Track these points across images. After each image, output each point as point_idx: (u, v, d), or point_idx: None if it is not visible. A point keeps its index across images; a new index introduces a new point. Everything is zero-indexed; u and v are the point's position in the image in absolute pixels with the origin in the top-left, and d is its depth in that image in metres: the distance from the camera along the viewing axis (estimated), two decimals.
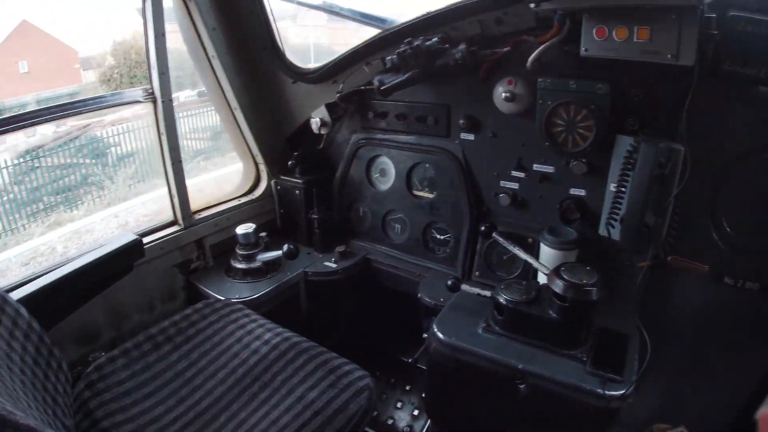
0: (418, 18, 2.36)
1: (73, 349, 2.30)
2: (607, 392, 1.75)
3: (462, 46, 2.19)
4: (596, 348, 1.93)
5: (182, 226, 2.73)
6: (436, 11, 2.30)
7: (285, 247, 2.63)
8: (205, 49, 2.74)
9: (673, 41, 1.72)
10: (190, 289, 2.79)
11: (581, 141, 2.09)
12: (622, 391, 1.75)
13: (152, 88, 2.54)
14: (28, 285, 1.98)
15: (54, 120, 2.41)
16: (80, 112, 2.52)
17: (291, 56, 2.90)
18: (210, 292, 2.65)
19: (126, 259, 2.28)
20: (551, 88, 2.08)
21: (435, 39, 2.24)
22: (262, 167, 3.08)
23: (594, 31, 1.82)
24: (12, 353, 1.47)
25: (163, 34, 2.47)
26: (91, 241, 8.02)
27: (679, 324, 2.26)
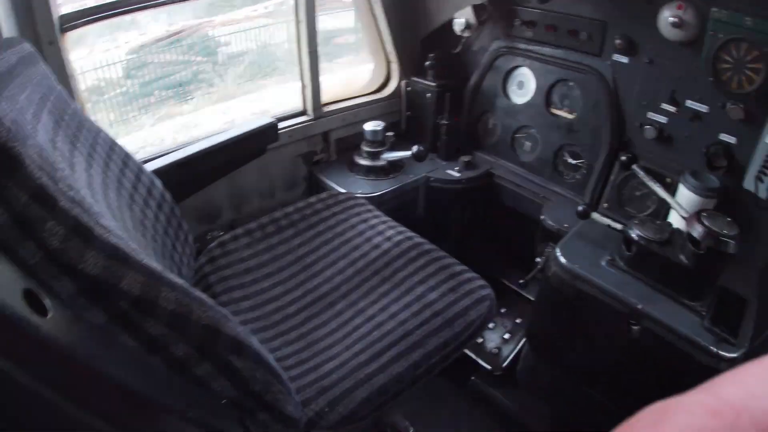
0: None
1: (193, 227, 2.40)
2: (719, 351, 1.72)
3: None
4: (717, 305, 1.88)
5: (311, 117, 2.84)
6: None
7: (415, 147, 2.66)
8: None
9: None
10: (311, 180, 2.93)
11: (747, 84, 1.94)
12: (734, 354, 1.72)
13: None
14: (162, 158, 2.14)
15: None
16: None
17: None
18: (332, 184, 2.77)
19: (261, 140, 2.42)
20: (725, 20, 1.91)
21: None
22: (394, 66, 3.09)
23: None
24: (145, 220, 1.60)
25: None
26: (197, 136, 8.51)
27: None
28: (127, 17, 2.34)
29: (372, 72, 3.22)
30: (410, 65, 3.08)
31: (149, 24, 2.68)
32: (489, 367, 2.69)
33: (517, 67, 2.77)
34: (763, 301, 1.94)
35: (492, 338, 2.82)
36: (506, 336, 2.82)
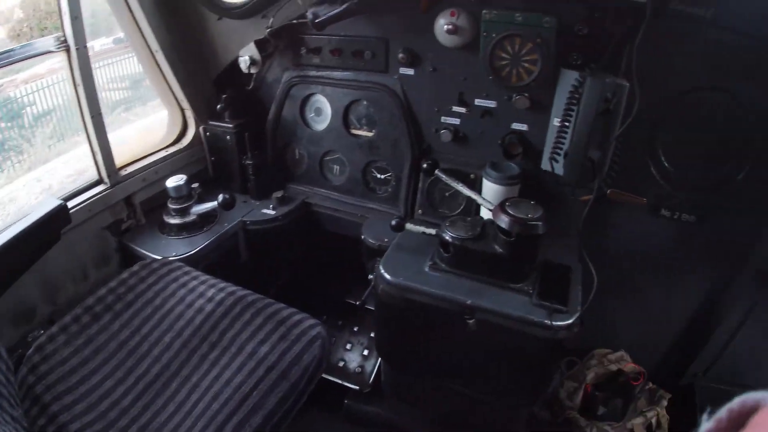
0: None
1: (10, 332, 2.19)
2: (553, 323, 1.85)
3: None
4: (541, 280, 2.03)
5: (108, 185, 2.60)
6: None
7: (220, 197, 2.55)
8: None
9: None
10: (123, 251, 2.69)
11: (526, 75, 2.14)
12: (568, 321, 1.86)
13: (65, 35, 2.36)
14: None
15: None
16: None
17: None
18: (145, 252, 2.57)
19: (52, 226, 2.17)
20: (496, 20, 2.09)
21: None
22: (189, 113, 2.96)
23: None
24: None
25: None
26: (15, 212, 7.70)
27: (617, 254, 2.43)
28: None
29: (167, 123, 3.06)
30: (206, 109, 2.98)
31: None
32: (357, 387, 2.68)
33: (311, 94, 2.80)
34: (584, 263, 2.12)
35: (352, 358, 2.82)
36: (365, 353, 2.83)
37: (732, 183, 2.13)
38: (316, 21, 2.30)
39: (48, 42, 2.36)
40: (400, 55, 2.43)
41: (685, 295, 2.47)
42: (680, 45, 2.01)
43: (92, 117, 2.48)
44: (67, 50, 2.39)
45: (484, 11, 2.09)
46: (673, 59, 2.04)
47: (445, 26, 2.22)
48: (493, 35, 2.10)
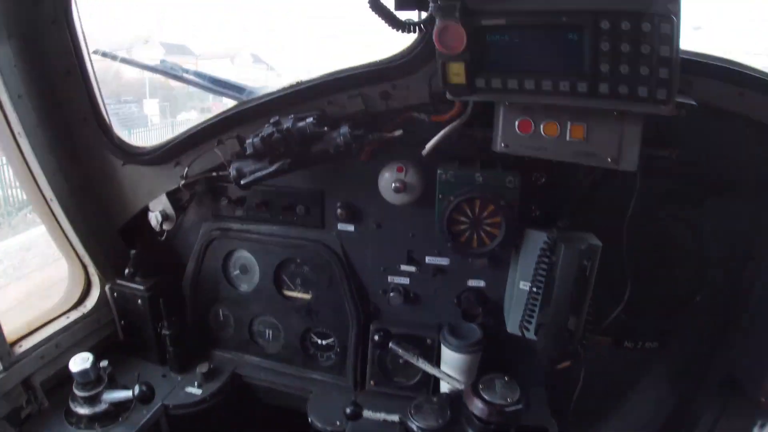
0: (286, 89, 2.07)
1: None
2: None
3: (344, 129, 1.90)
4: None
5: (0, 368, 2.16)
6: (309, 82, 2.02)
7: (136, 388, 2.16)
8: (9, 124, 2.17)
9: (613, 143, 1.58)
10: None
11: (488, 240, 1.92)
12: None
13: None
14: None
15: None
16: None
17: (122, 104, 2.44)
18: None
19: None
20: (454, 181, 1.88)
21: (310, 120, 1.92)
22: (92, 270, 2.55)
23: (516, 123, 1.64)
24: None
25: None
26: None
27: (583, 390, 2.24)
28: None
29: (67, 283, 2.63)
30: (112, 265, 2.59)
31: None
32: None
33: (234, 250, 2.49)
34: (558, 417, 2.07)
35: None
36: None
37: (691, 305, 2.15)
38: (242, 182, 2.04)
39: None
40: (339, 210, 2.22)
41: (651, 413, 2.44)
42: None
43: None
44: None
45: (439, 171, 1.89)
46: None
47: (393, 184, 2.02)
48: (451, 198, 1.89)
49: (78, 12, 2.21)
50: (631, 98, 1.39)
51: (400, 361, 2.27)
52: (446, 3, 1.40)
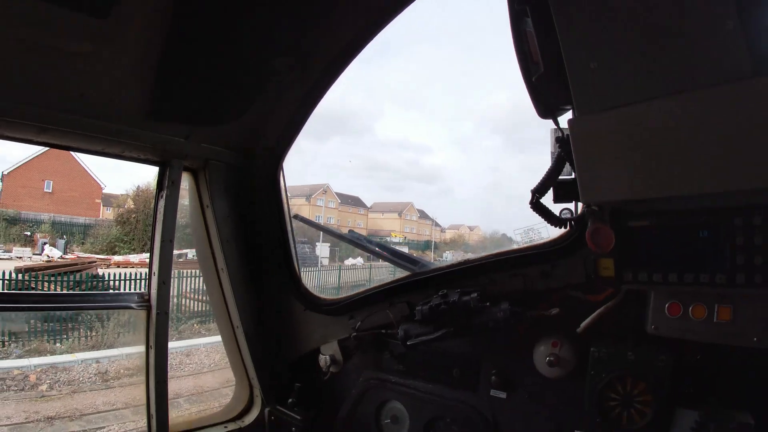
0: (454, 266, 2.51)
1: None
2: None
3: (505, 305, 2.24)
4: None
5: None
6: (475, 261, 2.44)
7: None
8: (215, 261, 2.85)
9: (761, 323, 1.76)
10: None
11: (638, 417, 2.06)
12: None
13: (149, 295, 2.62)
14: None
15: (46, 310, 2.48)
16: (71, 308, 2.57)
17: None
18: None
19: None
20: (606, 358, 2.09)
21: (474, 295, 2.28)
22: (257, 392, 3.05)
23: (666, 306, 1.88)
24: None
25: (171, 240, 2.63)
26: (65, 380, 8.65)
27: None
28: None
29: (234, 395, 3.13)
30: (274, 391, 3.05)
31: None
32: None
33: (388, 400, 2.80)
34: None
35: None
36: None
37: None
38: (408, 343, 2.43)
39: (131, 297, 2.64)
40: (493, 378, 2.45)
41: None
42: None
43: (157, 383, 2.60)
44: (148, 310, 2.61)
45: (592, 348, 2.11)
46: None
47: (547, 357, 2.25)
48: (603, 375, 2.09)
49: (284, 180, 3.00)
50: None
51: None
52: (596, 209, 1.79)
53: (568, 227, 2.03)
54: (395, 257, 2.94)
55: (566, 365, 2.25)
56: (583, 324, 2.15)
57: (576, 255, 2.08)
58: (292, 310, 3.01)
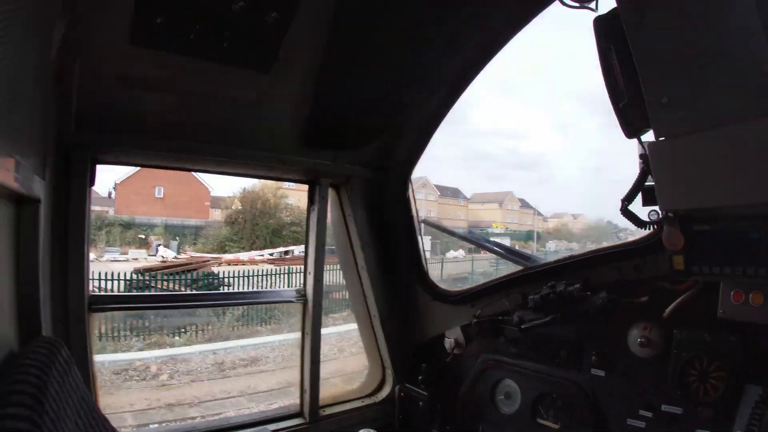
0: (561, 261, 2.98)
1: None
2: None
3: (603, 294, 2.69)
4: None
5: (307, 420, 3.32)
6: (579, 256, 2.90)
7: None
8: (356, 261, 3.56)
9: None
10: None
11: (712, 391, 2.42)
12: None
13: (305, 291, 3.35)
14: None
15: (215, 306, 3.22)
16: (238, 304, 3.29)
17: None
18: None
19: None
20: (686, 340, 2.49)
21: (577, 286, 2.76)
22: (389, 372, 3.70)
23: (731, 294, 2.27)
24: None
25: (323, 245, 3.32)
26: (184, 371, 9.66)
27: None
28: None
29: (367, 375, 3.80)
30: (404, 371, 3.67)
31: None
32: None
33: (502, 378, 3.30)
34: None
35: None
36: None
37: None
38: (523, 326, 2.94)
39: (290, 293, 3.37)
40: (593, 357, 2.87)
41: None
42: None
43: (312, 363, 3.31)
44: (304, 304, 3.33)
45: (675, 331, 2.51)
46: None
47: (639, 339, 2.65)
48: (683, 354, 2.48)
49: (413, 189, 3.63)
50: None
51: None
52: (671, 215, 2.25)
53: (653, 229, 2.45)
54: (510, 254, 3.45)
55: (655, 346, 2.63)
56: (668, 310, 2.54)
57: (661, 251, 2.42)
58: (420, 300, 3.62)
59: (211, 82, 2.53)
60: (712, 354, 2.40)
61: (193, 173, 28.66)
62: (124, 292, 11.54)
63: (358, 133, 3.22)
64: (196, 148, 2.77)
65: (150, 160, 2.78)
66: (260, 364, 10.09)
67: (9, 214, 1.82)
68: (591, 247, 3.15)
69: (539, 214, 44.13)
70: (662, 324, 2.60)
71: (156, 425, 7.66)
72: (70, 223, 2.47)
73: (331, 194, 3.49)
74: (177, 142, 2.70)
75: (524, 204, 45.04)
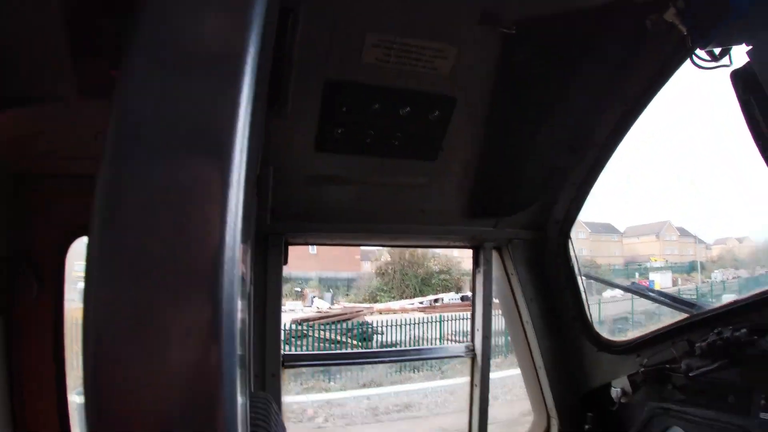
0: (726, 306, 3.01)
1: None
2: None
3: None
4: None
5: None
6: (743, 300, 2.93)
7: None
8: (520, 316, 3.81)
9: None
10: None
11: None
12: None
13: (473, 346, 3.66)
14: None
15: (392, 362, 3.62)
16: (414, 359, 3.63)
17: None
18: None
19: None
20: None
21: (743, 330, 2.77)
22: (554, 422, 3.85)
23: None
24: None
25: (491, 304, 3.65)
26: (339, 414, 10.12)
27: None
28: None
29: (532, 424, 3.98)
30: (570, 421, 3.80)
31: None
32: None
33: (671, 426, 3.32)
34: None
35: None
36: None
37: None
38: (690, 374, 3.00)
39: (459, 348, 3.71)
40: (763, 401, 2.80)
41: None
42: None
43: (480, 413, 3.61)
44: (473, 359, 3.64)
45: None
46: None
47: None
48: None
49: (573, 245, 3.81)
50: None
51: None
52: None
53: None
54: (674, 302, 3.51)
55: None
56: None
57: None
58: (585, 350, 3.78)
59: (385, 173, 2.95)
60: None
61: None
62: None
63: (515, 200, 3.53)
64: (373, 228, 3.21)
65: (333, 240, 3.30)
66: (413, 410, 10.30)
67: None
68: (760, 272, 3.11)
69: (700, 241, 41.61)
70: None
71: None
72: (269, 294, 2.94)
73: (495, 256, 3.79)
74: (356, 225, 3.16)
75: (683, 232, 42.68)
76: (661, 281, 30.51)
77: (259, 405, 2.00)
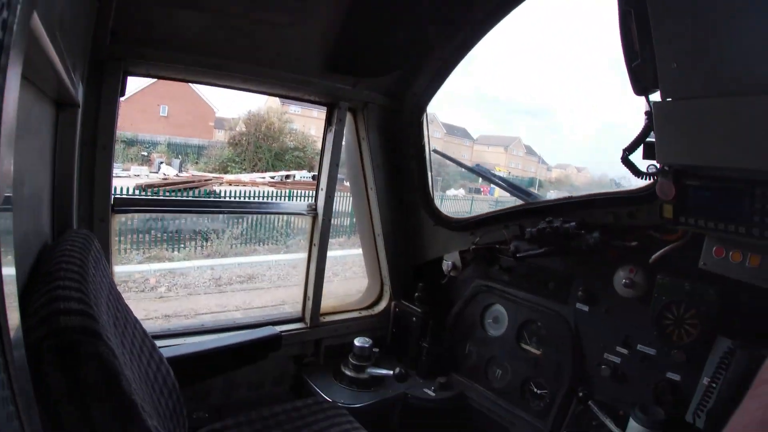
0: (560, 200, 3.17)
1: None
2: None
3: (596, 234, 2.90)
4: None
5: (307, 325, 3.66)
6: (577, 198, 3.10)
7: (397, 369, 3.37)
8: (366, 182, 3.83)
9: None
10: (298, 379, 3.62)
11: (685, 337, 2.65)
12: None
13: (316, 205, 3.61)
14: (177, 347, 2.76)
15: (232, 213, 3.47)
16: (254, 212, 3.55)
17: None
18: (318, 390, 3.42)
19: (265, 348, 3.11)
20: (668, 285, 2.70)
21: (573, 224, 2.98)
22: (387, 288, 4.02)
23: (713, 249, 2.46)
24: (155, 384, 2.13)
25: (337, 164, 3.57)
26: (182, 284, 10.16)
27: None
28: None
29: (366, 289, 4.13)
30: (401, 288, 3.99)
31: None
32: None
33: (493, 303, 3.62)
34: None
35: None
36: None
37: None
38: (518, 255, 3.19)
39: (301, 206, 3.65)
40: (580, 292, 3.13)
41: None
42: None
43: (317, 272, 3.61)
44: (314, 217, 3.61)
45: (659, 276, 2.72)
46: None
47: (624, 279, 2.89)
48: (663, 298, 2.70)
49: (427, 121, 3.82)
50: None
51: (594, 423, 2.95)
52: (666, 169, 2.41)
53: (650, 180, 2.61)
54: (513, 188, 3.63)
55: (638, 289, 2.85)
56: (654, 256, 2.75)
57: (655, 202, 2.58)
58: (423, 224, 3.89)
59: (245, 2, 2.70)
60: (689, 302, 2.59)
61: (198, 93, 29.01)
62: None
63: (379, 63, 3.40)
64: (224, 65, 2.94)
65: (179, 73, 2.93)
66: (256, 282, 10.42)
67: (51, 116, 2.04)
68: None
69: (543, 162, 44.00)
70: (647, 269, 2.81)
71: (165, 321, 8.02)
72: (99, 130, 2.65)
73: (349, 119, 3.70)
74: (206, 59, 2.88)
75: (530, 151, 44.74)
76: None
77: (77, 240, 1.85)
